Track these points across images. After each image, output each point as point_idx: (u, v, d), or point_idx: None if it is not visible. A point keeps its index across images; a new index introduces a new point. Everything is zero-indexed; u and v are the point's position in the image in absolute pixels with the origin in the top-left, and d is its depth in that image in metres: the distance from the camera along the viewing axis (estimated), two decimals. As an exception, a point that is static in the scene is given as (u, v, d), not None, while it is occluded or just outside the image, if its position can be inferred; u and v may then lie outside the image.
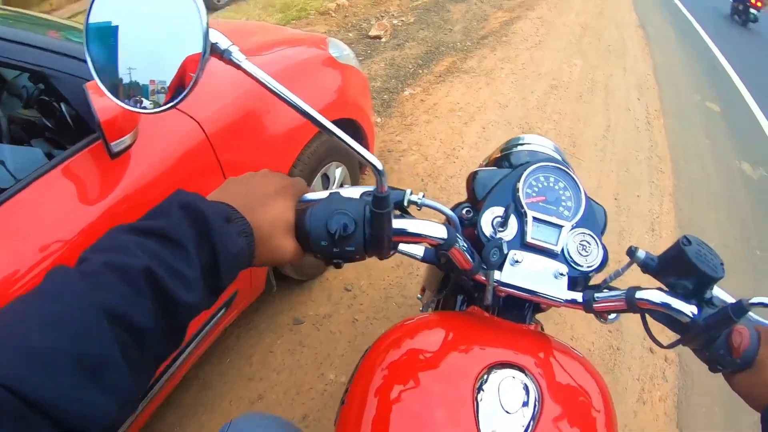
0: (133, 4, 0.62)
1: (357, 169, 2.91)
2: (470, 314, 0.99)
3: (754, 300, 0.72)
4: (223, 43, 0.60)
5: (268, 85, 0.62)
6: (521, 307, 0.96)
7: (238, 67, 0.61)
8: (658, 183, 4.43)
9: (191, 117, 1.78)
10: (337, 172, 2.68)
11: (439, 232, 0.75)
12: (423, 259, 1.00)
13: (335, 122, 2.17)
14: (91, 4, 0.62)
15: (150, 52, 0.62)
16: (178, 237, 0.54)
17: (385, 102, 4.97)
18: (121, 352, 0.46)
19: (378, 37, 6.77)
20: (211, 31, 0.58)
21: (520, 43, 6.96)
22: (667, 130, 5.51)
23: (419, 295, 1.82)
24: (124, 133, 1.52)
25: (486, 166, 1.24)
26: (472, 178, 1.02)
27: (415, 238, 0.76)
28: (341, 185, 2.72)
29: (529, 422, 0.74)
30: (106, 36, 0.62)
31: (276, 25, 3.48)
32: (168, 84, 0.62)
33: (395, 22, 7.49)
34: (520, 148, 1.23)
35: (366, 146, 2.84)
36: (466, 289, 1.16)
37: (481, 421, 0.73)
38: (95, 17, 0.62)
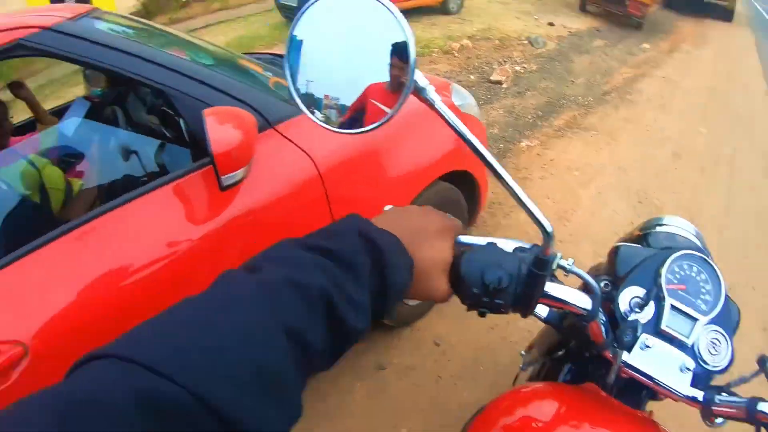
0: (341, 22, 0.64)
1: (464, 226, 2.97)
2: (586, 390, 0.97)
3: None
4: (422, 81, 0.62)
5: (456, 127, 0.64)
6: (638, 392, 0.94)
7: (432, 107, 0.64)
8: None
9: (307, 154, 1.84)
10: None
11: (585, 302, 0.76)
12: (546, 320, 1.02)
13: (451, 173, 2.48)
14: (299, 16, 0.64)
15: (336, 71, 0.66)
16: (355, 262, 0.54)
17: (500, 151, 5.04)
18: (296, 369, 0.46)
19: (499, 83, 6.91)
20: (417, 72, 0.60)
21: (644, 103, 6.87)
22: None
23: (522, 352, 1.78)
24: (237, 167, 1.60)
25: (622, 241, 1.19)
26: (615, 251, 1.02)
27: (560, 303, 0.77)
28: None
29: None
30: (299, 48, 0.65)
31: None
32: (348, 104, 0.65)
33: (517, 68, 7.60)
34: (660, 228, 1.21)
35: (479, 199, 2.85)
36: (579, 360, 1.13)
37: None
38: (300, 30, 0.65)
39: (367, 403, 2.41)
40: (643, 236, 1.21)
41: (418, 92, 0.63)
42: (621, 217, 4.08)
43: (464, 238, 0.74)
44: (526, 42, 8.88)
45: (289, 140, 1.84)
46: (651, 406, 1.00)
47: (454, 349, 2.72)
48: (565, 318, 1.01)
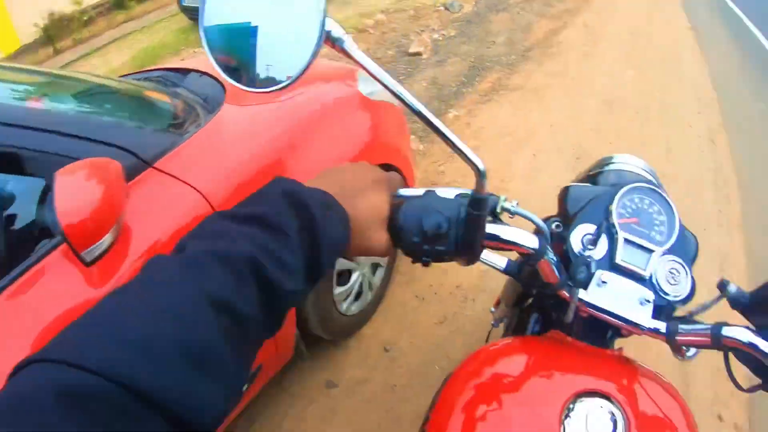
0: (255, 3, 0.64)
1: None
2: (551, 339, 0.98)
3: None
4: (337, 31, 0.60)
5: (376, 75, 0.62)
6: (603, 332, 0.93)
7: (349, 56, 0.61)
8: (726, 213, 4.07)
9: (195, 188, 1.57)
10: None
11: (532, 241, 0.75)
12: (505, 271, 1.02)
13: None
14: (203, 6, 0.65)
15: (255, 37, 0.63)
16: (281, 224, 0.53)
17: (424, 131, 4.75)
18: (226, 341, 0.45)
19: (418, 54, 6.57)
20: (328, 19, 0.59)
21: (568, 54, 6.63)
22: (733, 148, 5.11)
23: (492, 309, 1.77)
24: (98, 235, 1.28)
25: (575, 182, 1.18)
26: (565, 192, 1.00)
27: (506, 245, 0.75)
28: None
29: None
30: (229, 34, 0.66)
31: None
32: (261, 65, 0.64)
33: (436, 36, 7.28)
34: (610, 167, 1.21)
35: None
36: (543, 308, 1.13)
37: None
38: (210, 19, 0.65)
39: (321, 426, 2.28)
40: (593, 176, 1.21)
41: (335, 42, 0.60)
42: (560, 179, 3.79)
43: (403, 191, 0.74)
44: (441, 8, 8.54)
45: (173, 176, 1.56)
46: (622, 344, 0.99)
47: (404, 353, 2.58)
48: (523, 266, 1.01)
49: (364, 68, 0.61)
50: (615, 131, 4.71)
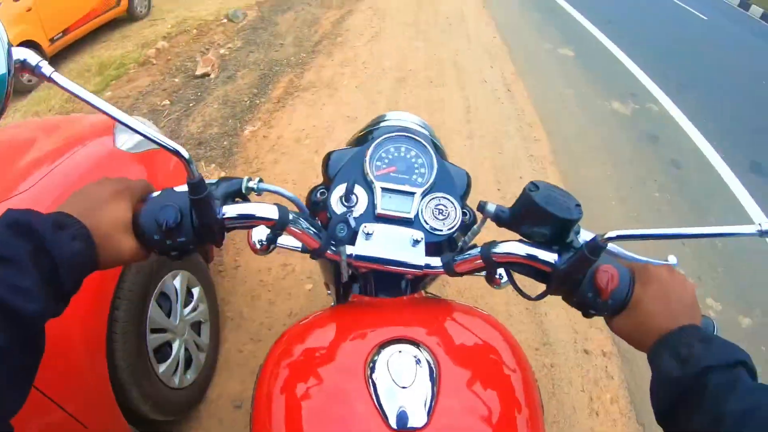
0: None
1: (201, 270, 2.30)
2: (353, 303, 0.99)
3: (611, 234, 0.68)
4: (33, 59, 0.62)
5: (81, 96, 0.64)
6: (396, 282, 0.94)
7: (49, 80, 0.63)
8: (537, 154, 4.11)
9: None
10: (177, 282, 2.07)
11: (270, 212, 0.75)
12: (303, 251, 1.01)
13: None
14: None
15: None
16: (8, 254, 0.55)
17: (226, 150, 4.34)
18: None
19: (206, 75, 6.09)
20: (18, 49, 0.61)
21: (356, 40, 6.46)
22: (530, 91, 5.23)
23: (328, 291, 1.67)
24: None
25: (347, 146, 1.18)
26: (327, 158, 1.00)
27: (247, 221, 0.75)
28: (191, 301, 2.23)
29: (432, 390, 0.71)
30: None
31: (48, 120, 2.81)
32: None
33: (222, 51, 6.83)
34: (382, 125, 1.20)
35: (208, 253, 2.40)
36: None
37: (382, 402, 0.70)
38: None
39: None
40: (365, 135, 1.19)
41: (33, 70, 0.62)
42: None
43: (153, 195, 0.74)
44: (225, 20, 8.08)
45: None
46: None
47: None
48: None
49: (69, 91, 0.63)
50: (414, 104, 4.61)
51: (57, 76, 0.63)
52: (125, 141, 2.01)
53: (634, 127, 5.04)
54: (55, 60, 7.07)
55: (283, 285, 2.78)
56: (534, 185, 0.74)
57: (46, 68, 0.62)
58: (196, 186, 0.68)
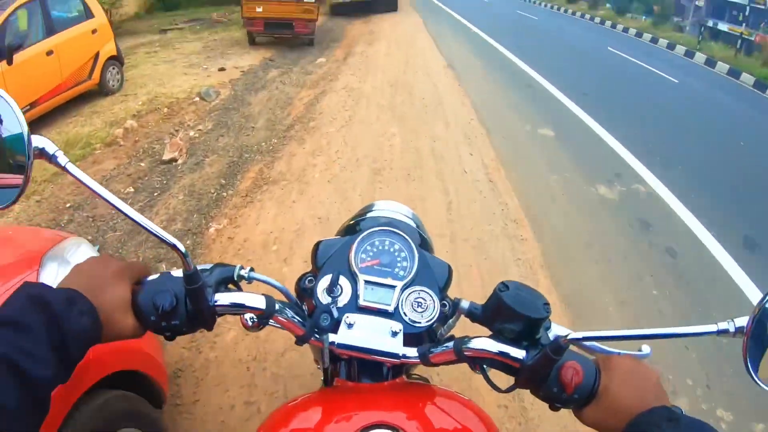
0: None
1: (153, 422, 2.00)
2: (336, 387, 1.00)
3: (572, 336, 0.73)
4: (50, 148, 0.70)
5: (93, 188, 0.71)
6: (379, 369, 0.96)
7: (64, 169, 0.70)
8: (525, 257, 3.82)
9: None
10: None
11: (258, 302, 0.80)
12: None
13: (110, 377, 1.75)
14: None
15: None
16: (27, 323, 0.61)
17: (188, 250, 4.00)
18: None
19: (174, 160, 5.80)
20: (36, 137, 0.69)
21: (329, 125, 6.25)
22: (512, 182, 5.00)
23: (318, 366, 1.63)
24: None
25: (336, 235, 1.22)
26: (316, 248, 1.03)
27: (237, 309, 0.81)
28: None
29: None
30: None
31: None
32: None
33: (192, 134, 6.57)
34: (369, 215, 1.24)
35: (161, 396, 2.10)
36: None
37: None
38: None
39: None
40: (354, 225, 1.23)
41: (50, 159, 0.70)
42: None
43: (150, 278, 0.80)
44: (197, 99, 7.87)
45: None
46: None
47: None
48: None
49: (80, 181, 0.71)
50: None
51: (71, 167, 0.70)
52: (53, 275, 1.79)
53: (624, 213, 4.81)
54: None
55: (247, 428, 2.39)
56: (504, 285, 0.81)
57: (62, 158, 0.70)
58: (191, 277, 0.73)
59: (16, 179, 0.71)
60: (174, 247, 0.71)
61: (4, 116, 0.70)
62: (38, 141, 0.68)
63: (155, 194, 5.09)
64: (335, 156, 5.29)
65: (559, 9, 27.85)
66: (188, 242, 4.12)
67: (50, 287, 0.67)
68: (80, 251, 2.02)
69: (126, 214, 0.71)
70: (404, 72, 8.82)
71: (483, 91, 8.29)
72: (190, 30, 14.39)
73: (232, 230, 4.16)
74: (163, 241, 0.72)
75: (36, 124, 6.99)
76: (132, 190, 5.16)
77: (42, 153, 0.69)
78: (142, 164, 5.97)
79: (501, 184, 4.93)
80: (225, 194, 4.84)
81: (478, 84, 8.72)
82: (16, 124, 0.68)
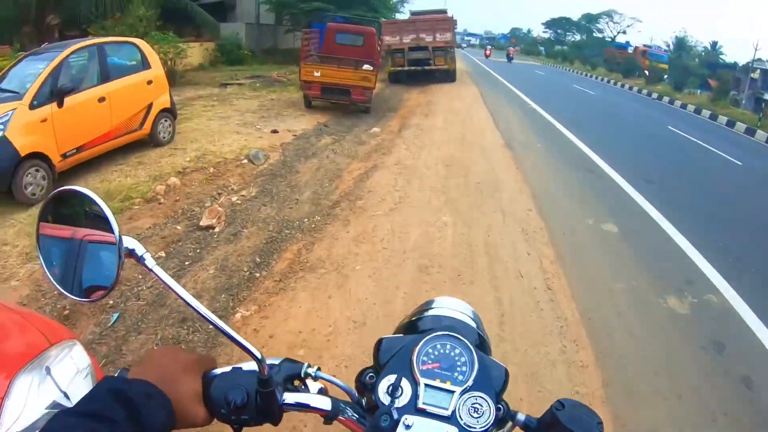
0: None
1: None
2: None
3: None
4: (139, 250, 0.75)
5: (174, 290, 0.76)
6: None
7: (150, 271, 0.75)
8: (585, 390, 3.28)
9: None
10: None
11: (324, 404, 0.85)
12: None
13: None
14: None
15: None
16: (111, 416, 0.64)
17: (210, 338, 3.65)
18: None
19: (211, 227, 5.53)
20: (127, 238, 0.74)
21: (377, 207, 5.92)
22: (573, 288, 4.49)
23: None
24: None
25: (396, 332, 1.20)
26: (378, 345, 1.03)
27: (303, 409, 0.84)
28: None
29: None
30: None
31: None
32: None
33: (234, 199, 6.33)
34: (429, 312, 1.21)
35: None
36: None
37: None
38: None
39: None
40: (413, 322, 1.22)
41: (138, 259, 0.76)
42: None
43: (217, 370, 0.84)
44: (245, 161, 7.69)
45: None
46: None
47: None
48: None
49: (164, 283, 0.75)
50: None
51: (158, 270, 0.76)
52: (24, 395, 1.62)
53: (696, 332, 4.20)
54: (64, 176, 6.59)
55: None
56: (561, 404, 0.84)
57: (149, 261, 0.76)
58: (266, 382, 0.78)
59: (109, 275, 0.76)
60: (252, 354, 0.76)
61: (99, 218, 0.75)
62: (129, 242, 0.74)
63: (186, 263, 4.79)
64: (380, 246, 4.90)
65: (615, 83, 27.55)
66: (210, 328, 3.76)
67: (128, 381, 0.71)
68: (68, 360, 1.83)
69: (208, 319, 0.76)
70: (460, 149, 8.50)
71: (542, 176, 7.86)
72: (250, 87, 14.60)
73: (259, 321, 3.78)
74: (242, 347, 0.76)
75: (79, 167, 6.89)
76: (164, 254, 4.89)
77: (131, 253, 0.74)
78: (179, 227, 5.71)
79: (560, 292, 4.42)
80: (258, 275, 4.50)
81: (536, 167, 8.31)
82: (109, 225, 0.73)
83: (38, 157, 6.07)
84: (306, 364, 0.88)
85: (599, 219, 6.41)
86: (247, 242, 5.16)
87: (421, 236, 5.10)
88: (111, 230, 0.73)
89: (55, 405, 1.67)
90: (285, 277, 4.39)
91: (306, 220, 5.57)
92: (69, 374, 1.79)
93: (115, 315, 3.95)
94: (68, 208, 0.82)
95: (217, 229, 5.54)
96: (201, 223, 5.65)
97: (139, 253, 0.75)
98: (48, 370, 1.71)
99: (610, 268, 5.17)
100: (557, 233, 5.69)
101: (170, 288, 0.75)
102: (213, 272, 4.60)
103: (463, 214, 5.67)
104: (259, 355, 0.76)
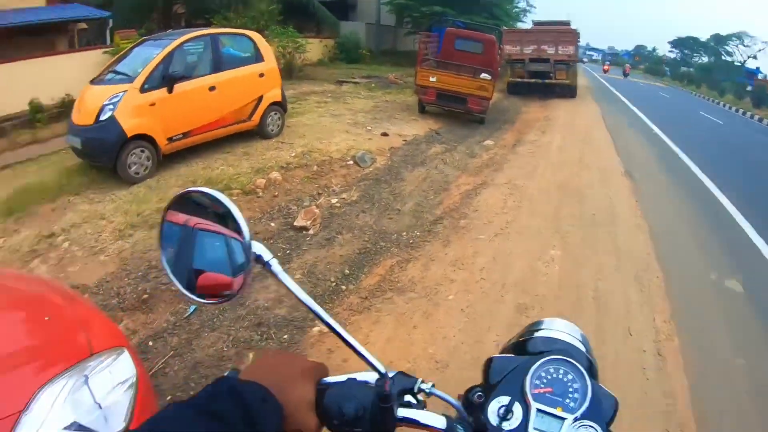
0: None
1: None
2: None
3: None
4: (266, 255, 0.78)
5: (300, 298, 0.80)
6: None
7: (274, 276, 0.78)
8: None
9: None
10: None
11: (439, 422, 0.82)
12: None
13: None
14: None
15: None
16: (227, 416, 0.65)
17: (282, 347, 3.49)
18: None
19: (304, 229, 5.42)
20: (255, 243, 0.76)
21: (481, 230, 5.56)
22: (686, 358, 3.86)
23: None
24: None
25: (503, 352, 1.15)
26: (488, 364, 1.00)
27: (417, 426, 0.83)
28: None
29: None
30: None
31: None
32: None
33: (334, 201, 6.20)
34: (538, 333, 1.17)
35: None
36: None
37: None
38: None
39: None
40: (521, 342, 1.17)
41: (264, 265, 0.78)
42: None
43: (329, 378, 0.83)
44: (351, 162, 7.57)
45: None
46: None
47: None
48: None
49: (289, 290, 0.79)
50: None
51: (284, 277, 0.78)
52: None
53: None
54: (168, 159, 6.77)
55: None
56: None
57: (275, 266, 0.78)
58: (387, 397, 0.76)
59: (236, 281, 0.78)
60: (375, 368, 0.78)
61: (230, 221, 0.76)
62: (256, 248, 0.76)
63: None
64: (479, 275, 4.54)
65: (744, 113, 25.33)
66: (286, 336, 3.63)
67: (245, 384, 0.71)
68: (111, 369, 1.79)
69: (336, 331, 0.80)
70: (577, 174, 7.92)
71: (663, 214, 7.08)
72: (365, 86, 14.62)
73: (335, 341, 3.52)
74: (366, 360, 0.79)
75: (188, 153, 7.04)
76: (253, 251, 4.80)
77: (258, 259, 0.76)
78: (272, 224, 5.66)
79: (672, 360, 3.81)
80: (344, 287, 4.30)
81: (658, 203, 7.53)
82: (240, 229, 0.75)
83: (144, 138, 6.33)
84: (420, 380, 0.86)
85: (723, 274, 5.58)
86: (340, 250, 4.98)
87: (524, 270, 4.69)
88: (241, 234, 0.75)
89: (77, 426, 1.59)
90: (372, 294, 4.15)
91: (404, 233, 5.32)
92: (108, 385, 1.74)
93: (193, 307, 3.89)
94: (195, 207, 0.83)
95: (311, 232, 5.42)
96: (295, 223, 5.56)
97: (266, 259, 0.77)
98: (86, 380, 1.67)
99: (732, 337, 4.32)
100: (676, 286, 5.01)
101: (298, 298, 0.78)
102: (299, 277, 4.46)
103: (573, 250, 5.19)
104: (383, 370, 0.78)
